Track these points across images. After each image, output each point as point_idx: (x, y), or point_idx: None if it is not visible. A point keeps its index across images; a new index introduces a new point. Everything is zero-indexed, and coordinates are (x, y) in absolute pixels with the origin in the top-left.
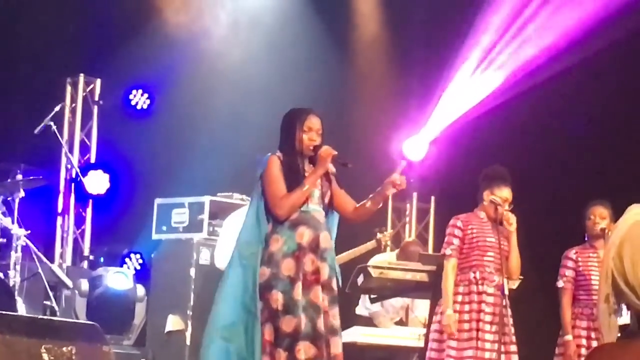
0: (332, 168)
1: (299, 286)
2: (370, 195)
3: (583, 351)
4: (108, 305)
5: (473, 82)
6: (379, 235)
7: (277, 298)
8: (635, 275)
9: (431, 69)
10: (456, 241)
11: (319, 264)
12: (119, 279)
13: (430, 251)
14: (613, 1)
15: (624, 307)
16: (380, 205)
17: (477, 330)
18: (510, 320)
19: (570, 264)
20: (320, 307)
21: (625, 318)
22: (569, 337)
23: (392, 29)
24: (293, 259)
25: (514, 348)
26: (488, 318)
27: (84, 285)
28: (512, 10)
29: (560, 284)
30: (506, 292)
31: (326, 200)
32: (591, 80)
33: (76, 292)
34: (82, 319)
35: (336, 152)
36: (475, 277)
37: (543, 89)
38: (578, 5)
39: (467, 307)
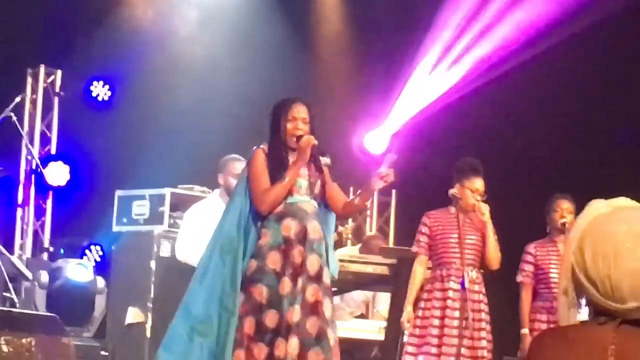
0: (327, 161)
1: (285, 281)
2: (358, 191)
3: None
4: (68, 297)
5: (435, 75)
6: (340, 229)
7: (262, 292)
8: (596, 268)
9: (393, 63)
10: (423, 238)
11: (306, 255)
12: (79, 270)
13: (391, 244)
14: None
15: (583, 302)
16: (369, 200)
17: (443, 327)
18: (482, 315)
19: (529, 258)
20: (298, 298)
21: (584, 315)
22: (524, 330)
23: (355, 25)
24: (279, 252)
25: (484, 343)
26: (457, 314)
27: (44, 277)
28: (473, 4)
29: (519, 278)
30: (466, 285)
31: (316, 190)
32: (552, 73)
33: (36, 283)
34: (42, 311)
35: (316, 142)
36: (441, 275)
37: (505, 82)
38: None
39: (428, 305)
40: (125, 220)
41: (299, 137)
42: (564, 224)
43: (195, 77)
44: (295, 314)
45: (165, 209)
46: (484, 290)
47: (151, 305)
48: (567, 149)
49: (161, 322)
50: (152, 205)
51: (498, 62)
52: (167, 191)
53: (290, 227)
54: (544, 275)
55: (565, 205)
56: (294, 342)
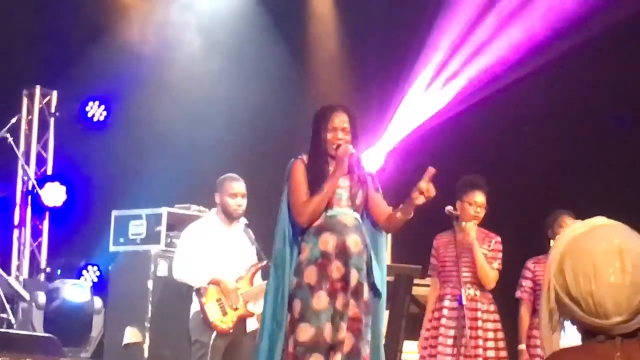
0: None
1: (320, 295)
2: (400, 205)
3: None
4: (65, 318)
5: (428, 94)
6: None
7: (297, 306)
8: (578, 287)
9: (387, 82)
10: (432, 260)
11: (345, 270)
12: (76, 291)
13: (389, 262)
14: (563, 15)
15: (566, 324)
16: (411, 215)
17: (436, 345)
18: (479, 333)
19: (528, 274)
20: (344, 315)
21: (566, 340)
22: (521, 346)
23: (349, 44)
24: (316, 266)
25: None
26: (451, 332)
27: (41, 297)
28: (466, 22)
29: (517, 294)
30: (464, 302)
31: (357, 201)
32: (543, 91)
33: (33, 304)
34: (40, 332)
35: (354, 151)
36: (439, 294)
37: (497, 100)
38: (529, 17)
39: (428, 325)
40: (122, 240)
41: (338, 147)
42: None
43: (189, 96)
44: (341, 332)
45: (162, 228)
46: (487, 307)
47: (149, 325)
48: (565, 165)
49: (158, 341)
50: (149, 224)
51: (492, 79)
52: (163, 211)
53: (328, 241)
54: (541, 291)
55: (570, 222)
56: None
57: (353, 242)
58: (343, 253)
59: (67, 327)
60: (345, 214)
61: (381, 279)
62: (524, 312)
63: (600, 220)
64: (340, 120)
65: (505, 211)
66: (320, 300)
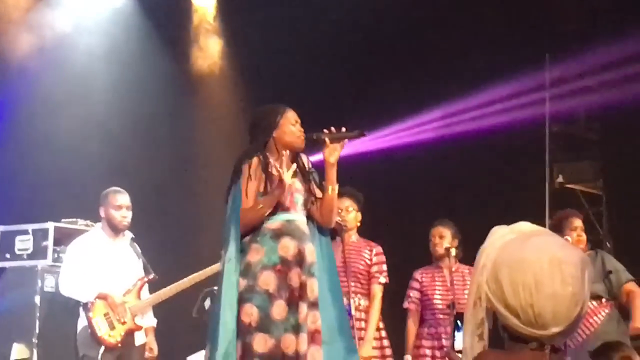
0: (309, 165)
1: (279, 305)
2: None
3: None
4: None
5: None
6: None
7: (251, 312)
8: (517, 297)
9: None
10: None
11: (305, 279)
12: None
13: None
14: None
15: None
16: (334, 182)
17: None
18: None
19: (415, 284)
20: (303, 326)
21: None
22: (407, 357)
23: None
24: (274, 272)
25: None
26: None
27: None
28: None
29: (405, 304)
30: (353, 312)
31: (308, 207)
32: None
33: None
34: None
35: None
36: None
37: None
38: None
39: None
40: (8, 255)
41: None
42: (447, 249)
43: (75, 108)
44: (302, 344)
45: (49, 243)
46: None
47: (36, 341)
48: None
49: (46, 357)
50: (36, 239)
51: None
52: (50, 225)
53: (289, 247)
54: (429, 301)
55: (438, 232)
56: None
57: (310, 250)
58: (301, 261)
59: None
60: (301, 220)
61: (335, 288)
62: (410, 323)
63: (527, 226)
64: (295, 114)
65: (383, 221)
66: (280, 309)
